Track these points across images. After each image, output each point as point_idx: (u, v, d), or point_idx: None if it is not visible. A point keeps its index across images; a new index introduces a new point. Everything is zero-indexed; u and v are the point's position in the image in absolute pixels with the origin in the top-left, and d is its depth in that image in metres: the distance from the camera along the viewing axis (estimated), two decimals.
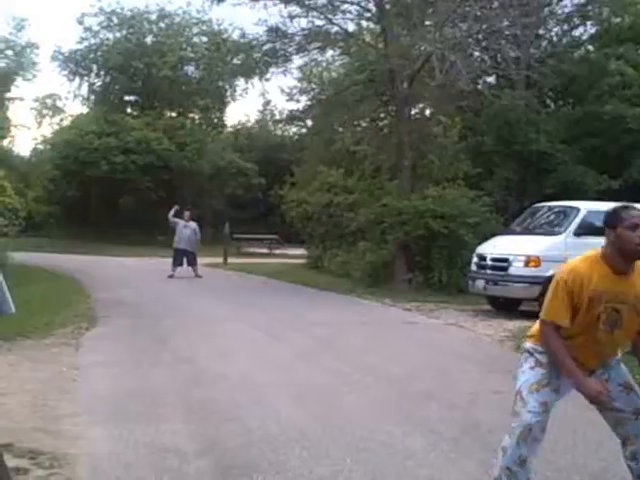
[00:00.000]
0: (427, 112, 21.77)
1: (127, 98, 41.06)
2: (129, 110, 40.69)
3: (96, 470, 4.43)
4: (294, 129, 37.73)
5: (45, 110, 45.38)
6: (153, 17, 39.46)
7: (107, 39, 39.04)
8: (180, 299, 14.42)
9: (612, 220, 3.60)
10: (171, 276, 18.41)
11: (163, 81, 37.40)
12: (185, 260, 18.86)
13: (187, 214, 19.61)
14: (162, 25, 39.69)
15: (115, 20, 38.72)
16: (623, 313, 3.58)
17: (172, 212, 19.61)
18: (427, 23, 18.67)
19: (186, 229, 19.19)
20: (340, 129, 23.37)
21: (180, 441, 4.98)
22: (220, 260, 24.06)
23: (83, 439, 4.99)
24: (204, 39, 40.46)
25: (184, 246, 18.91)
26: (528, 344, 3.82)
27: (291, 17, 18.60)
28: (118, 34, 38.83)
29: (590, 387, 3.52)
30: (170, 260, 19.13)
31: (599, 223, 13.23)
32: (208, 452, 4.78)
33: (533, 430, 3.56)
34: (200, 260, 19.60)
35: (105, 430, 5.19)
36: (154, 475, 4.31)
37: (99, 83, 40.23)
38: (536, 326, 3.82)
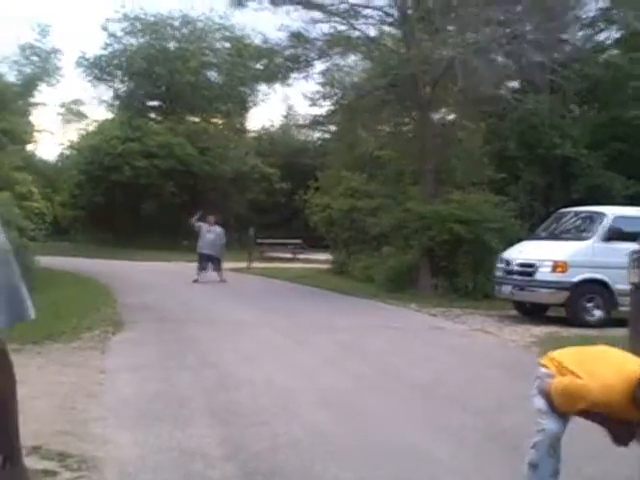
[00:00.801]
0: (450, 117, 21.71)
1: (150, 103, 41.27)
2: (152, 115, 40.93)
3: (123, 473, 4.46)
4: (317, 134, 37.84)
5: (70, 115, 45.82)
6: (176, 23, 39.69)
7: (131, 45, 39.31)
8: (205, 304, 14.48)
9: None
10: (196, 280, 18.42)
11: (185, 86, 37.57)
12: (210, 264, 18.94)
13: (211, 218, 19.50)
14: (185, 31, 39.90)
15: (138, 26, 38.99)
16: None
17: (196, 217, 19.61)
18: (449, 28, 18.64)
19: (210, 234, 19.09)
20: (363, 134, 23.37)
21: (206, 445, 5.00)
22: (244, 264, 24.13)
23: (110, 442, 5.03)
24: (226, 44, 40.60)
25: (208, 251, 18.94)
26: (542, 370, 3.80)
27: (313, 22, 18.67)
28: (141, 40, 39.09)
29: None
30: (195, 265, 19.21)
31: (627, 228, 13.23)
32: (233, 456, 4.79)
33: (559, 439, 3.58)
34: (224, 265, 19.63)
35: (132, 434, 5.22)
36: (180, 479, 4.33)
37: (123, 88, 40.49)
38: (559, 352, 3.84)
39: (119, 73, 39.81)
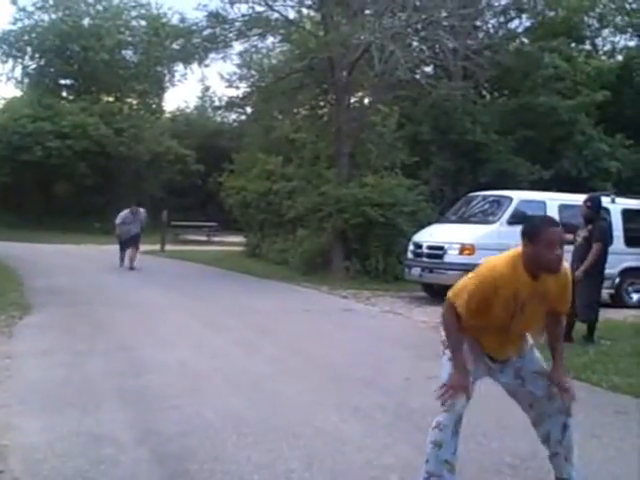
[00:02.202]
0: (366, 101, 21.92)
1: (63, 82, 40.05)
2: (64, 94, 39.71)
3: (30, 461, 4.38)
4: (233, 116, 37.44)
5: None
6: None
7: (42, 20, 37.98)
8: (117, 287, 14.27)
9: (531, 234, 3.61)
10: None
11: (100, 65, 36.58)
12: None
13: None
14: (99, 7, 38.83)
15: (50, 1, 37.70)
16: (531, 307, 3.72)
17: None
18: (367, 12, 18.80)
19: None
20: (279, 116, 23.35)
21: (116, 430, 4.96)
22: (157, 247, 23.82)
23: (16, 430, 4.93)
24: (143, 23, 39.71)
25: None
26: (444, 334, 3.90)
27: (231, 3, 18.50)
28: (54, 15, 37.80)
29: (460, 381, 3.64)
30: (109, 247, 19.03)
31: (531, 212, 13.72)
32: (145, 441, 4.77)
33: (461, 419, 3.70)
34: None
35: (39, 420, 5.13)
36: (90, 465, 4.29)
37: (33, 66, 39.12)
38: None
39: (29, 49, 38.42)
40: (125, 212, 18.41)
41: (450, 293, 3.78)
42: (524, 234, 3.65)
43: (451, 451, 3.67)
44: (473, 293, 3.63)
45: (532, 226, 3.67)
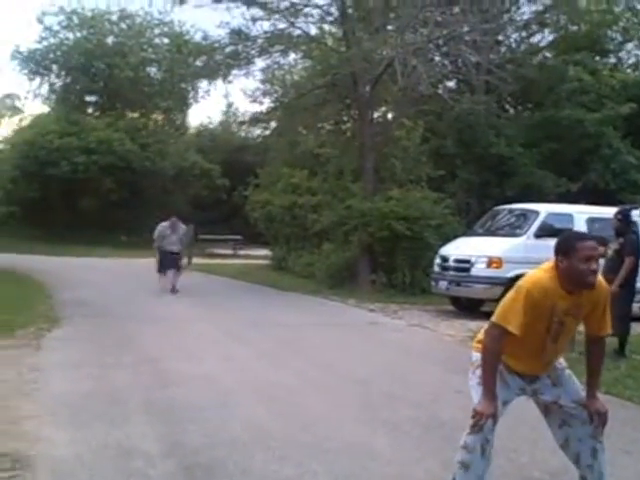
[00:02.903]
0: (389, 115, 21.94)
1: (88, 99, 40.59)
2: (90, 110, 40.25)
3: (58, 472, 4.38)
4: (257, 131, 37.63)
5: (4, 110, 44.70)
6: (114, 17, 39.13)
7: (67, 39, 38.56)
8: (143, 300, 14.32)
9: (565, 249, 3.57)
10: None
11: (124, 82, 37.02)
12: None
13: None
14: (123, 26, 39.37)
15: (75, 20, 38.29)
16: (567, 324, 3.68)
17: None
18: (389, 28, 18.83)
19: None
20: (304, 131, 23.43)
21: (144, 443, 4.95)
22: (184, 260, 23.90)
23: (45, 441, 4.93)
24: (166, 40, 40.18)
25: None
26: (475, 355, 3.83)
27: (253, 20, 18.62)
28: (79, 34, 38.38)
29: (489, 408, 3.57)
30: (136, 261, 18.83)
31: (558, 225, 13.59)
32: (172, 453, 4.76)
33: (490, 441, 3.63)
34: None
35: (67, 432, 5.13)
36: (118, 477, 4.29)
37: (60, 83, 39.72)
38: (483, 332, 3.85)
39: (55, 67, 39.04)
40: (164, 225, 15.84)
41: (495, 318, 3.65)
42: (558, 249, 3.61)
43: (478, 474, 3.61)
44: (524, 311, 3.55)
45: (566, 240, 3.63)
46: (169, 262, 15.60)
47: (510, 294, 3.65)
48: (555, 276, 3.59)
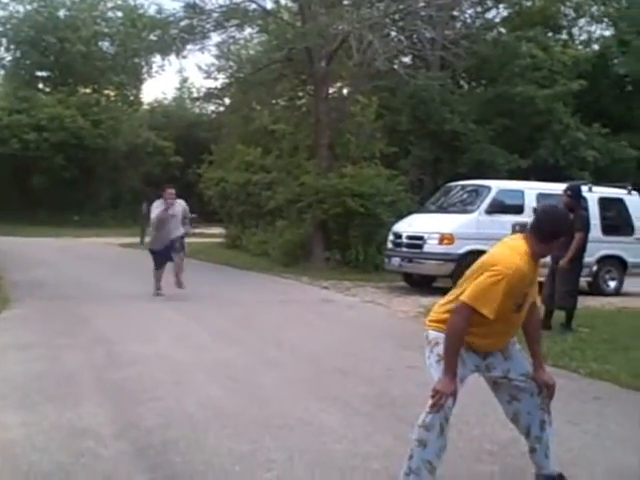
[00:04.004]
0: (345, 91, 21.93)
1: (39, 74, 39.78)
2: (41, 86, 39.46)
3: (9, 456, 4.35)
4: (212, 107, 37.29)
5: None
6: None
7: (17, 12, 37.69)
8: (96, 280, 14.18)
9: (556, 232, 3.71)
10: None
11: (76, 56, 36.37)
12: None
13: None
14: None
15: None
16: (530, 293, 3.76)
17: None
18: (345, 2, 18.77)
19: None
20: (258, 107, 23.28)
21: (97, 423, 4.94)
22: (137, 240, 23.69)
23: None
24: (119, 14, 39.53)
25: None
26: (432, 333, 3.81)
27: None
28: (29, 7, 37.49)
29: (449, 387, 3.59)
30: (88, 240, 18.60)
31: (509, 201, 13.85)
32: (125, 433, 4.76)
33: (448, 419, 3.68)
34: (117, 240, 19.17)
35: (18, 415, 5.09)
36: (70, 459, 4.27)
37: (9, 58, 38.87)
38: (439, 309, 3.85)
39: (4, 41, 38.10)
40: (158, 204, 12.03)
41: (468, 299, 3.58)
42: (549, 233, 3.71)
43: (435, 452, 3.65)
44: (502, 297, 3.54)
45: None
46: (168, 249, 11.84)
47: (487, 278, 3.57)
48: (526, 252, 3.64)
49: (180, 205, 12.27)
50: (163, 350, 7.53)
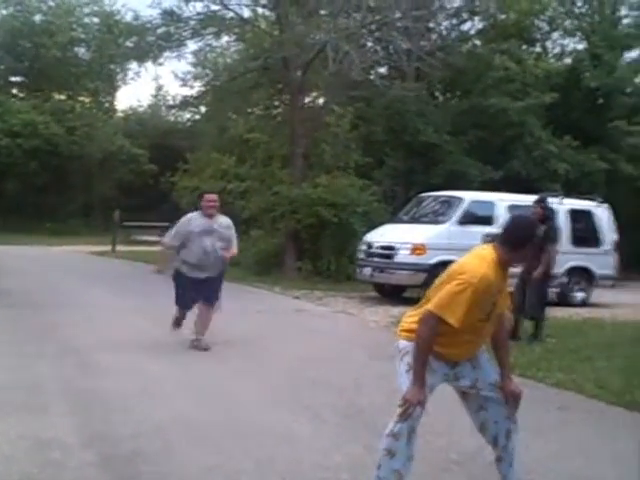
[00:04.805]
0: (320, 101, 22.01)
1: (13, 79, 39.49)
2: (15, 91, 39.12)
3: None
4: (187, 115, 37.39)
5: None
6: None
7: None
8: (67, 288, 14.07)
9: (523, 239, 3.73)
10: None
11: (51, 62, 36.16)
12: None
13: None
14: (51, 4, 38.41)
15: None
16: (499, 302, 3.78)
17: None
18: (322, 12, 18.87)
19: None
20: (234, 116, 23.30)
21: (64, 433, 4.91)
22: (109, 248, 23.54)
23: None
24: (95, 20, 39.36)
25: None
26: (402, 343, 3.84)
27: (186, 1, 18.46)
28: (4, 11, 37.29)
29: (418, 396, 3.62)
30: (61, 249, 18.46)
31: (481, 212, 13.98)
32: (93, 443, 4.74)
33: (416, 430, 3.71)
34: (88, 248, 18.99)
35: None
36: (36, 469, 4.24)
37: None
38: (409, 319, 3.88)
39: None
40: (192, 218, 8.41)
41: (434, 308, 3.61)
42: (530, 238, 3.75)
43: (403, 461, 3.68)
44: (467, 306, 3.57)
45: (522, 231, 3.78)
46: (197, 288, 8.34)
47: (453, 286, 3.60)
48: (495, 260, 3.67)
49: (225, 222, 8.38)
50: (133, 360, 7.49)
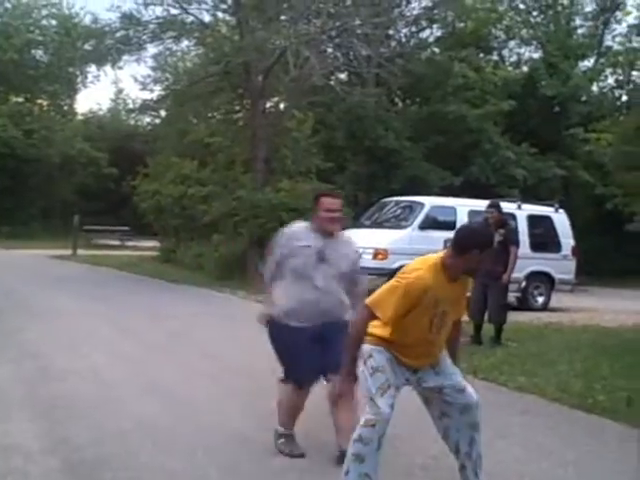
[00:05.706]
0: (281, 106, 22.05)
1: None
2: None
3: None
4: (147, 119, 37.10)
5: None
6: None
7: None
8: (25, 293, 13.85)
9: (468, 244, 3.72)
10: None
11: (9, 64, 35.59)
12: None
13: None
14: (8, 5, 37.80)
15: None
16: (450, 313, 3.84)
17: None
18: (282, 18, 18.92)
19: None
20: (194, 120, 23.20)
21: (25, 440, 4.84)
22: (69, 252, 23.25)
23: None
24: (53, 22, 38.87)
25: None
26: (364, 346, 3.88)
27: (146, 4, 18.35)
28: None
29: (347, 376, 3.90)
30: (18, 252, 18.19)
31: (442, 217, 14.10)
32: (55, 450, 4.68)
33: (384, 435, 3.75)
34: (48, 252, 18.72)
35: None
36: None
37: None
38: (373, 324, 3.91)
39: None
40: (299, 231, 5.17)
41: (369, 301, 3.76)
42: (463, 244, 3.73)
43: (372, 465, 3.71)
44: (400, 300, 3.64)
45: (465, 238, 3.78)
46: (318, 354, 4.70)
47: (390, 284, 3.73)
48: (440, 268, 3.71)
49: (349, 247, 5.15)
50: (95, 364, 7.42)
